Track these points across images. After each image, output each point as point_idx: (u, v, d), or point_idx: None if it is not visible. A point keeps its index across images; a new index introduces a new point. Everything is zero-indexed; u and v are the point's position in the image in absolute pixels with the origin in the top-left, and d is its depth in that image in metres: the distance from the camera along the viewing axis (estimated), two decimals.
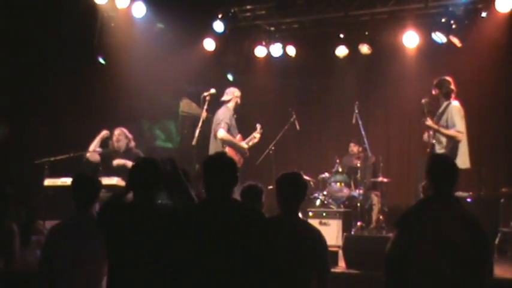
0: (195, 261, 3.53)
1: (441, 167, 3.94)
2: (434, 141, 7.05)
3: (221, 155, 3.82)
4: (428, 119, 6.96)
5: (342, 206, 8.50)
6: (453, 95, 7.00)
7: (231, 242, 3.50)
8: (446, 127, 6.91)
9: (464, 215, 3.81)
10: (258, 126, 8.30)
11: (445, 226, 3.71)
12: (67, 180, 6.79)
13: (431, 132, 7.02)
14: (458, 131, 6.80)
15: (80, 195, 4.27)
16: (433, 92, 7.09)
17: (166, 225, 3.69)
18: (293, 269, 3.89)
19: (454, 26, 8.71)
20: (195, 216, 3.65)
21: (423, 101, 7.17)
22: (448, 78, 7.04)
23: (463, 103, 7.10)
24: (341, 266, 6.50)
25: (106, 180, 6.74)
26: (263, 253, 3.58)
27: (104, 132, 7.91)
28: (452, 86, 7.00)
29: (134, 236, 3.68)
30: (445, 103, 6.97)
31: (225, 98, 8.02)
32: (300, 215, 7.85)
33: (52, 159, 7.50)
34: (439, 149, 6.93)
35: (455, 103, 6.94)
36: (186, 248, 3.55)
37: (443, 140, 6.99)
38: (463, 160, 6.82)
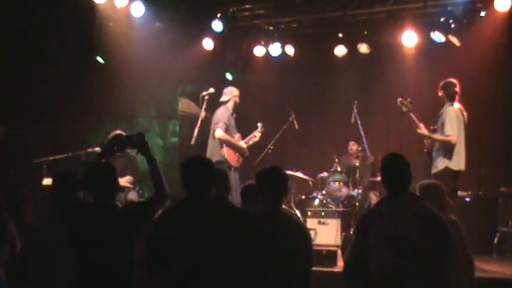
0: (177, 260, 3.60)
1: (392, 165, 3.98)
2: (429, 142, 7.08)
3: (198, 157, 3.98)
4: (420, 126, 6.97)
5: (340, 205, 8.49)
6: (457, 98, 7.00)
7: (212, 240, 3.58)
8: (442, 130, 6.90)
9: (419, 211, 3.83)
10: (259, 124, 8.28)
11: (400, 224, 3.75)
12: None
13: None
14: (448, 135, 6.79)
15: (58, 193, 4.33)
16: (439, 93, 7.08)
17: (125, 222, 3.86)
18: (279, 264, 3.90)
19: (453, 26, 8.71)
20: (174, 215, 3.75)
21: (398, 100, 7.19)
22: (454, 81, 7.03)
23: (462, 102, 7.10)
24: (340, 265, 6.49)
25: None
26: (247, 250, 3.67)
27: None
28: (457, 89, 6.99)
29: (97, 235, 3.81)
30: (445, 106, 6.98)
31: (223, 98, 8.01)
32: (299, 213, 7.93)
33: (51, 158, 7.50)
34: (436, 150, 6.94)
35: (451, 107, 6.93)
36: (166, 247, 3.62)
37: (438, 142, 6.98)
38: (457, 162, 6.83)
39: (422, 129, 6.95)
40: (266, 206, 4.11)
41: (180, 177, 3.78)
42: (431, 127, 7.05)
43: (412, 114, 7.07)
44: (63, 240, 3.96)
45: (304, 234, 4.12)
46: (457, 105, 6.97)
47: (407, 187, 3.94)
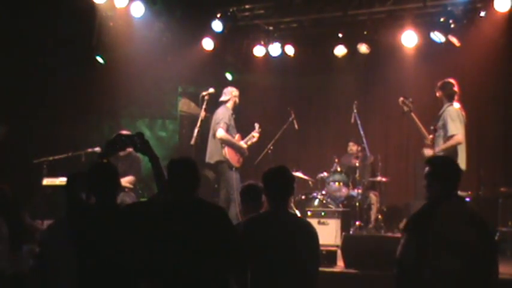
0: (164, 261, 3.64)
1: (447, 167, 3.96)
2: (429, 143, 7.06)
3: (185, 158, 4.00)
4: (425, 149, 6.96)
5: (340, 205, 8.49)
6: (456, 98, 6.99)
7: (196, 241, 3.63)
8: (444, 131, 6.88)
9: (471, 215, 3.84)
10: (257, 125, 8.32)
11: (454, 226, 3.73)
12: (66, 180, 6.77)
13: (430, 136, 7.02)
14: (453, 135, 6.77)
15: (72, 194, 4.34)
16: (437, 94, 7.07)
17: (126, 223, 3.84)
18: (287, 263, 3.90)
19: (452, 26, 8.70)
20: (160, 217, 3.78)
21: (400, 99, 7.19)
22: (452, 81, 7.01)
23: (462, 103, 7.10)
24: (339, 265, 6.50)
25: None
26: (231, 249, 3.72)
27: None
28: (455, 88, 6.98)
29: (99, 236, 3.82)
30: (444, 106, 6.97)
31: (223, 98, 8.02)
32: (299, 213, 7.94)
33: (51, 158, 7.51)
34: (437, 151, 6.91)
35: (451, 107, 6.92)
36: (152, 248, 3.68)
37: (440, 142, 6.95)
38: (460, 162, 6.80)
39: (427, 151, 6.90)
40: (273, 206, 4.11)
41: (167, 177, 3.82)
42: (432, 127, 7.05)
43: (413, 115, 7.08)
44: (70, 240, 3.98)
45: (311, 234, 4.11)
46: (457, 105, 6.96)
47: (457, 190, 3.95)
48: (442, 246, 3.70)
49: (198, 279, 3.60)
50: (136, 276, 3.82)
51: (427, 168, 4.02)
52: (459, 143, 6.78)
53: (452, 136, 6.76)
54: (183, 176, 3.79)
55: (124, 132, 6.88)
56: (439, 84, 7.08)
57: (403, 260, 3.84)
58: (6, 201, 5.01)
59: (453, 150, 6.77)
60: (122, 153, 7.73)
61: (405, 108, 7.15)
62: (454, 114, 6.83)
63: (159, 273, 3.64)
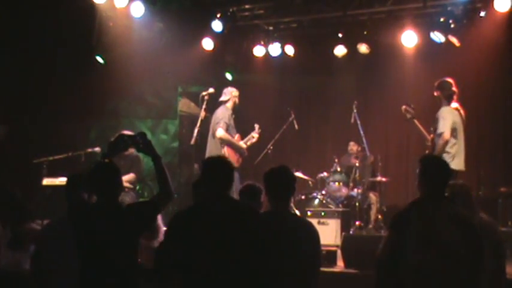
0: (193, 260, 3.59)
1: (435, 167, 3.97)
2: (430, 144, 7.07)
3: (221, 157, 3.98)
4: (428, 138, 6.96)
5: (340, 205, 8.50)
6: (455, 97, 6.98)
7: (228, 240, 3.58)
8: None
9: (456, 215, 3.84)
10: (256, 126, 8.32)
11: (437, 226, 3.75)
12: (65, 180, 6.78)
13: (431, 136, 7.02)
14: (440, 134, 6.76)
15: (71, 195, 4.34)
16: (435, 94, 7.07)
17: (129, 222, 3.83)
18: (289, 263, 3.90)
19: (452, 26, 8.70)
20: (192, 215, 3.74)
21: (403, 108, 7.19)
22: (449, 80, 7.00)
23: (462, 103, 7.10)
24: (339, 265, 6.51)
25: None
26: (260, 251, 3.68)
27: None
28: (454, 88, 6.97)
29: (100, 235, 3.79)
30: (441, 107, 6.97)
31: (223, 98, 8.03)
32: (298, 213, 7.94)
33: (51, 158, 7.51)
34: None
35: (445, 107, 6.91)
36: (183, 246, 3.63)
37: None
38: (457, 162, 6.80)
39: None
40: (274, 206, 4.11)
41: (202, 176, 3.81)
42: (431, 128, 7.05)
43: (416, 121, 7.09)
44: (71, 240, 3.97)
45: (312, 234, 4.12)
46: (454, 104, 6.95)
47: (445, 191, 3.96)
48: (422, 245, 3.72)
49: (230, 279, 3.56)
50: (163, 274, 3.81)
51: (418, 168, 4.04)
52: (445, 141, 6.77)
53: (440, 134, 6.77)
54: (218, 175, 3.76)
55: (126, 132, 6.91)
56: (436, 83, 7.07)
57: (381, 257, 3.89)
58: (14, 203, 5.01)
59: (448, 151, 6.77)
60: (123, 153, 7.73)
61: (408, 116, 7.15)
62: (444, 113, 6.84)
63: (193, 272, 3.60)
